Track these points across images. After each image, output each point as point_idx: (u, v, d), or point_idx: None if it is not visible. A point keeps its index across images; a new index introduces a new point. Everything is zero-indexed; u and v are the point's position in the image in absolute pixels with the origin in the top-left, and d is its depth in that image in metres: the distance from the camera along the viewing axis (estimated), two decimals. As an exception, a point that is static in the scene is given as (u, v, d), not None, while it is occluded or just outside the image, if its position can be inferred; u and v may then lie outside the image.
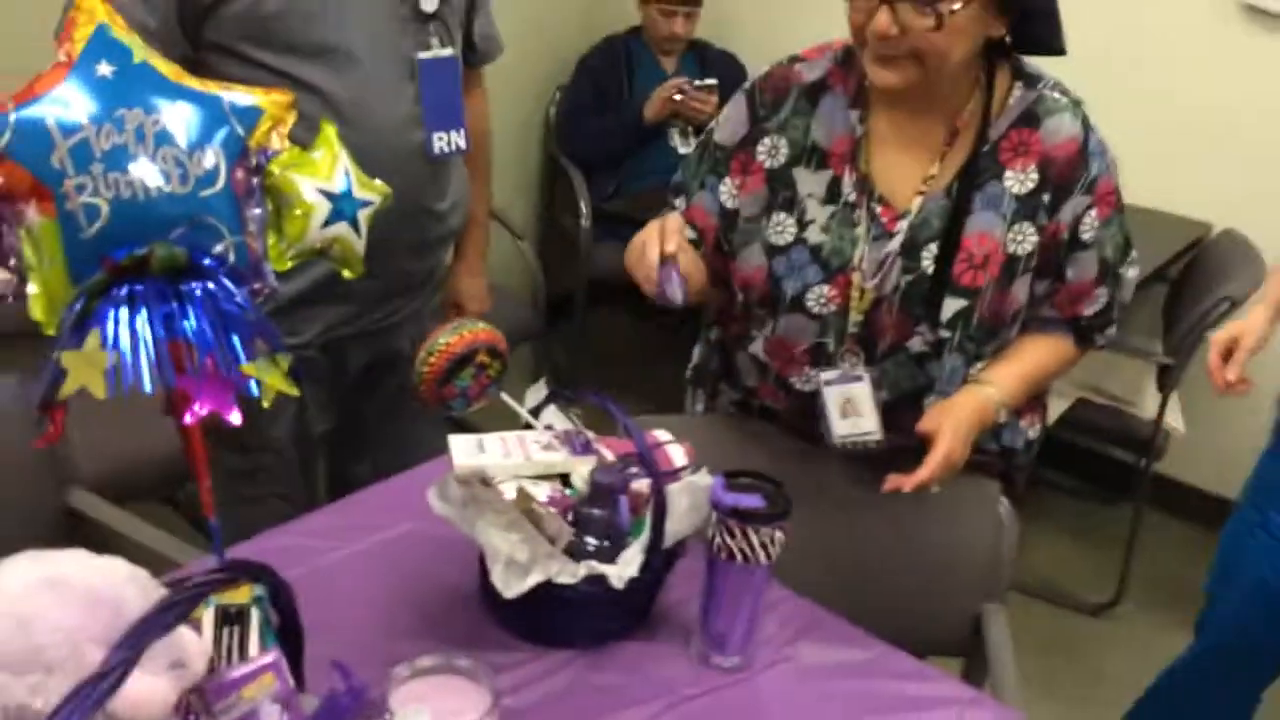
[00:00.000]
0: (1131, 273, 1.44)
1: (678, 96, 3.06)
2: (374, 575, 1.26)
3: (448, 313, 1.88)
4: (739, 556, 1.12)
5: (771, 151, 1.40)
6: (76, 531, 1.57)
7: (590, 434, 1.30)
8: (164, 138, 0.81)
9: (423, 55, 1.55)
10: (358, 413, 1.75)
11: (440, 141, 1.58)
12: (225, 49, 1.44)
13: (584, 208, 3.16)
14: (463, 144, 1.62)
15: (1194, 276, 2.63)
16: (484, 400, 1.18)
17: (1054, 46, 1.32)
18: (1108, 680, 2.41)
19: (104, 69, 0.80)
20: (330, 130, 0.93)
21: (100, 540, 1.69)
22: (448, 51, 1.58)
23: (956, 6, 1.21)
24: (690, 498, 1.18)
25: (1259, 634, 1.80)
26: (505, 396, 1.23)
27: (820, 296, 1.38)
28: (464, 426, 1.39)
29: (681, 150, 3.21)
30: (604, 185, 3.21)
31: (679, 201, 1.48)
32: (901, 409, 1.40)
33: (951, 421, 1.32)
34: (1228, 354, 1.56)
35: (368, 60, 1.49)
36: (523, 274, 3.16)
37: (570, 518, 1.17)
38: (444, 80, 1.57)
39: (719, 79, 3.21)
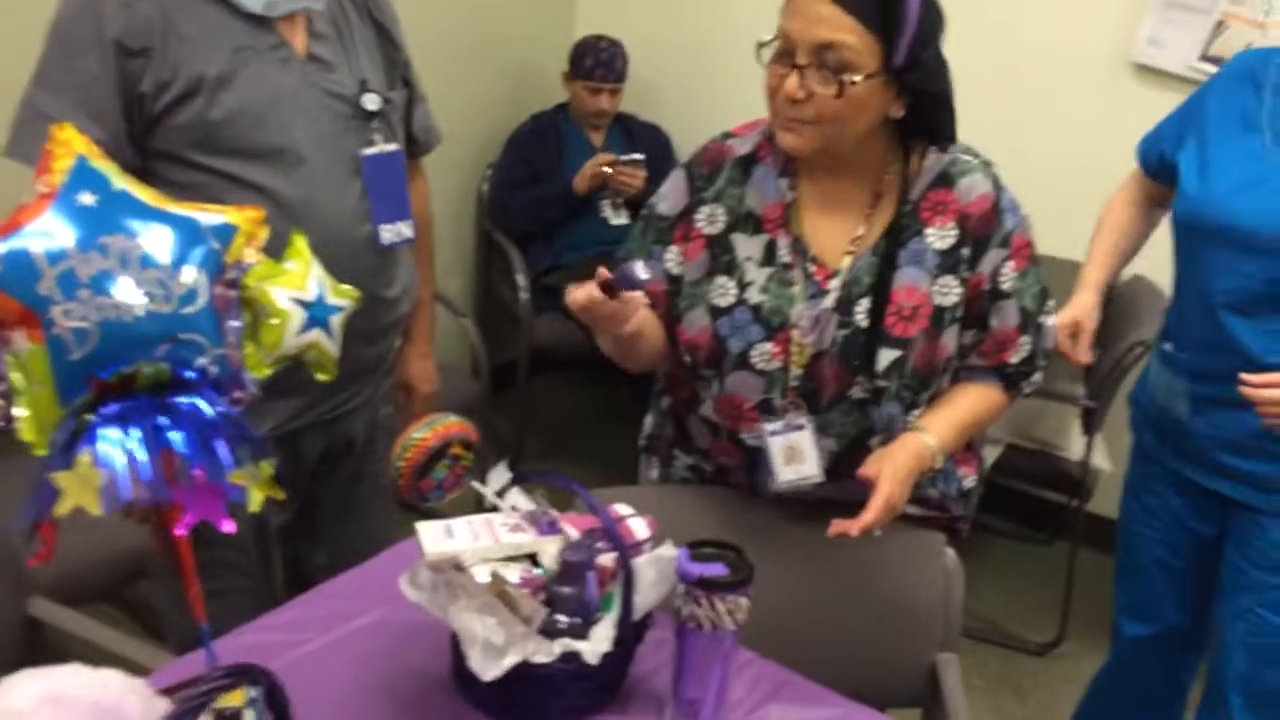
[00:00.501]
0: (1050, 321, 1.53)
1: (607, 169, 3.14)
2: (347, 666, 1.27)
3: (397, 395, 1.90)
4: (707, 625, 1.16)
5: (710, 219, 1.48)
6: (37, 639, 1.55)
7: (554, 512, 1.34)
8: (146, 260, 0.85)
9: (367, 151, 1.59)
10: (313, 501, 1.77)
11: (388, 232, 1.62)
12: (174, 156, 1.47)
13: (522, 280, 3.21)
14: (409, 234, 1.66)
15: (1109, 321, 2.75)
16: (460, 489, 1.22)
17: (944, 133, 1.43)
18: (1060, 717, 2.48)
19: (86, 198, 0.84)
20: (301, 241, 0.97)
21: (62, 646, 1.68)
22: (392, 146, 1.63)
23: (857, 79, 1.32)
24: (656, 570, 1.22)
25: (1170, 615, 1.91)
26: (476, 484, 1.26)
27: (764, 353, 1.45)
28: (424, 513, 1.42)
29: (613, 221, 3.29)
30: (540, 258, 3.27)
31: None
32: (849, 454, 1.48)
33: (890, 467, 1.39)
34: (1072, 337, 1.81)
35: (313, 159, 1.53)
36: (463, 348, 3.19)
37: (542, 597, 1.20)
38: (389, 174, 1.62)
39: (645, 149, 3.31)
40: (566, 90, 3.35)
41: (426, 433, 1.17)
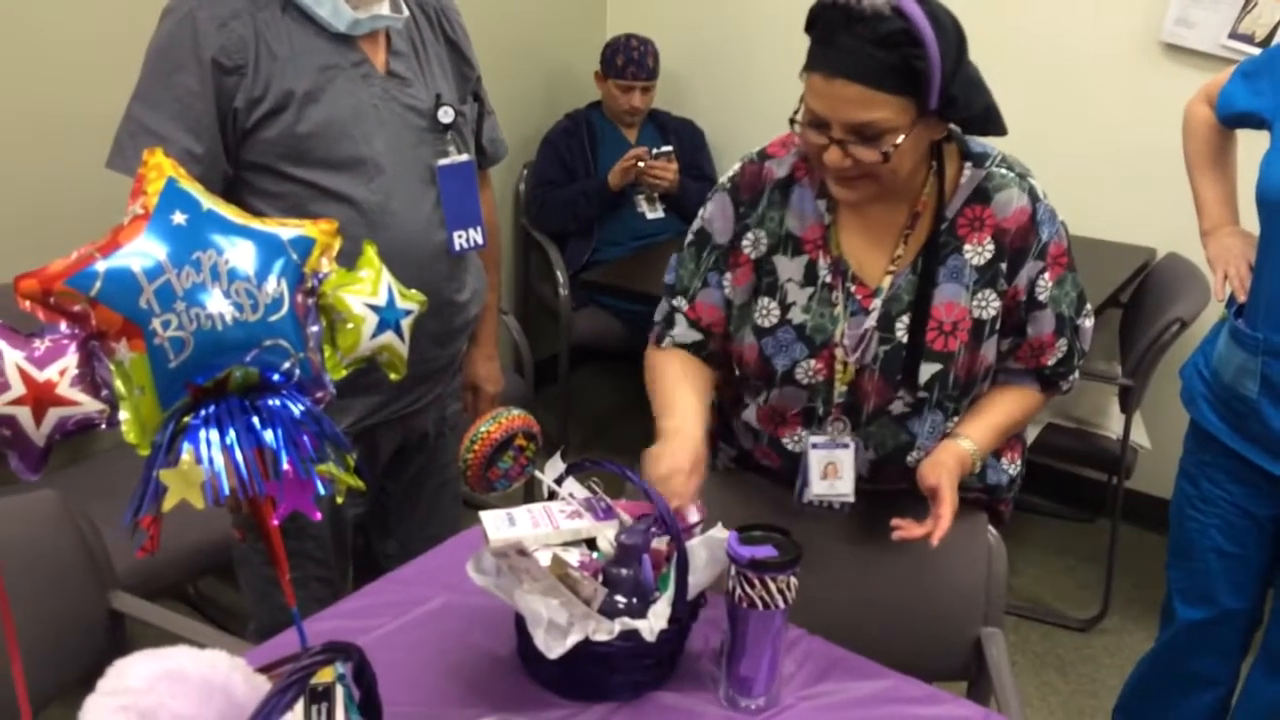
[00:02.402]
0: (1088, 323, 1.55)
1: (640, 164, 3.20)
2: (418, 647, 1.35)
3: (465, 395, 1.98)
4: (759, 604, 1.22)
5: (754, 244, 1.51)
6: (119, 631, 1.64)
7: (608, 499, 1.40)
8: (234, 273, 0.92)
9: (441, 162, 1.67)
10: (385, 493, 1.85)
11: (460, 239, 1.70)
12: (264, 167, 1.56)
13: (561, 276, 3.28)
14: (480, 240, 1.73)
15: (1144, 300, 2.79)
16: (524, 478, 1.28)
17: (995, 134, 1.41)
18: (1103, 692, 2.52)
19: (178, 218, 0.91)
20: (371, 250, 1.04)
21: (142, 637, 1.76)
22: (464, 157, 1.70)
23: (900, 141, 1.32)
24: (708, 552, 1.28)
25: (1226, 600, 1.92)
26: (538, 473, 1.33)
27: (808, 370, 1.49)
28: (483, 505, 1.49)
29: (649, 215, 3.35)
30: (578, 254, 3.33)
31: (678, 301, 1.57)
32: (887, 465, 1.53)
33: (948, 479, 1.42)
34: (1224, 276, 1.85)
35: (392, 170, 1.61)
36: (505, 345, 3.26)
37: (600, 579, 1.27)
38: (461, 183, 1.69)
39: (679, 144, 3.37)
40: (599, 89, 3.41)
41: (492, 426, 1.24)
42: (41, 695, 1.51)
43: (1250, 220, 1.86)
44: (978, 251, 1.46)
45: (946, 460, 1.45)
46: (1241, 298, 1.80)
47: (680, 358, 1.57)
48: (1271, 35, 2.72)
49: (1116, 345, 2.86)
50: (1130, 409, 2.61)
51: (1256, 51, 2.61)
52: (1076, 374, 1.57)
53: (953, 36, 1.33)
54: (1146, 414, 2.78)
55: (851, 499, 1.50)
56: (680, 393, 1.51)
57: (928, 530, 1.39)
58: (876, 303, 1.47)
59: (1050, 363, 1.53)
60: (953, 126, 1.43)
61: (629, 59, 3.29)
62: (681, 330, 1.57)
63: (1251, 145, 1.88)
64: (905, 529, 1.40)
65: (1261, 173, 1.73)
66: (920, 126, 1.35)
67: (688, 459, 1.39)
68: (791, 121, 1.39)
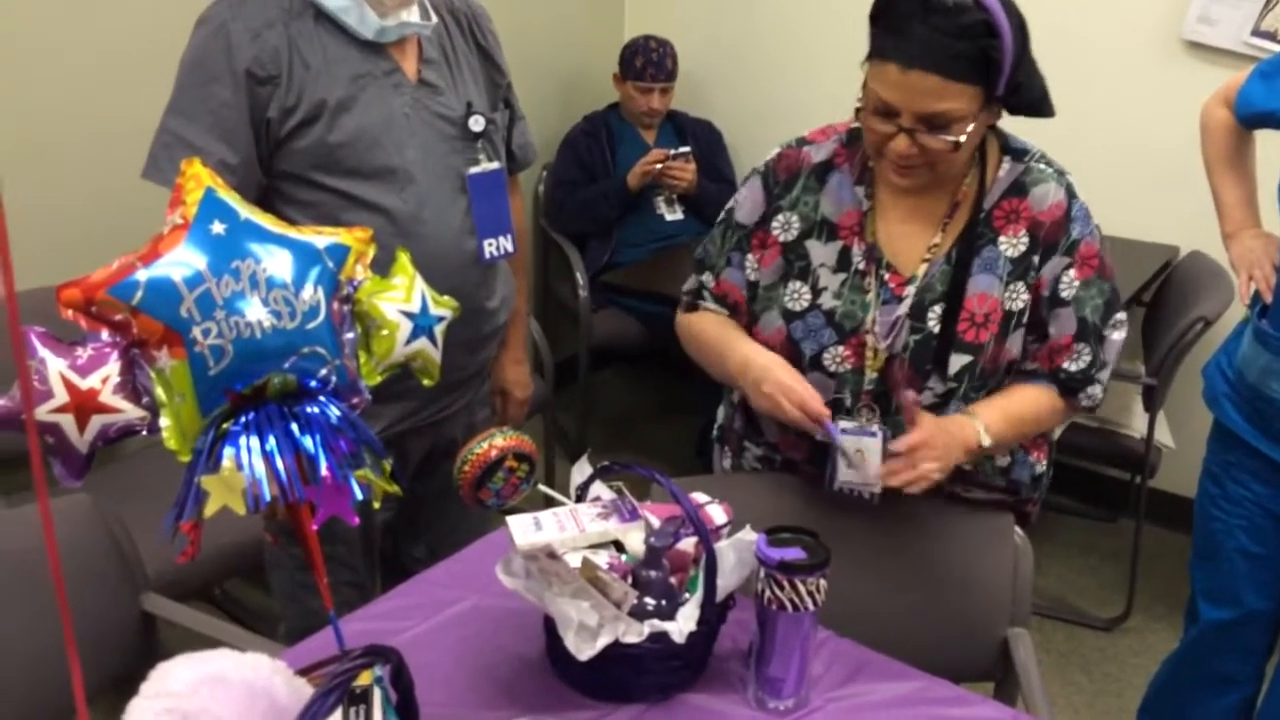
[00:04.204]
0: (1117, 335, 1.52)
1: (659, 166, 3.20)
2: (448, 649, 1.36)
3: (494, 400, 1.98)
4: (788, 606, 1.23)
5: (785, 226, 1.52)
6: (150, 633, 1.66)
7: (634, 501, 1.41)
8: (272, 282, 0.93)
9: (472, 170, 1.67)
10: (414, 498, 1.86)
11: (490, 247, 1.70)
12: (297, 176, 1.57)
13: (581, 279, 3.29)
14: (510, 248, 1.74)
15: (1168, 298, 2.78)
16: (518, 497, 1.29)
17: (1047, 115, 1.44)
18: (1129, 690, 2.51)
19: (217, 228, 0.92)
20: (405, 257, 1.05)
21: (172, 639, 1.78)
22: (494, 165, 1.71)
23: (970, 129, 1.34)
24: (736, 553, 1.29)
25: (1251, 600, 1.91)
26: (543, 487, 1.34)
27: (836, 356, 1.50)
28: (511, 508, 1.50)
29: (668, 217, 3.36)
30: (597, 256, 3.34)
31: (706, 276, 1.61)
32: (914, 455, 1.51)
33: (929, 420, 1.40)
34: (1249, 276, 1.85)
35: (423, 178, 1.62)
36: (526, 347, 3.27)
37: (630, 581, 1.27)
38: (491, 191, 1.70)
39: (698, 145, 3.37)
40: (618, 91, 3.42)
41: (484, 447, 1.25)
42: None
43: (1270, 221, 1.85)
44: (1012, 243, 1.46)
45: (947, 423, 1.42)
46: (1268, 299, 1.79)
47: (715, 316, 1.61)
48: (1294, 32, 2.70)
49: (1140, 344, 2.85)
50: (1154, 408, 2.60)
51: (1278, 49, 2.60)
52: (1099, 390, 1.53)
53: (1019, 22, 1.35)
54: (1170, 413, 2.77)
55: (879, 490, 1.49)
56: (731, 334, 1.56)
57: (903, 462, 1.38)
58: (910, 290, 1.48)
59: (1067, 366, 1.50)
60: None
61: (648, 60, 3.30)
62: (711, 305, 1.61)
63: (1269, 146, 1.88)
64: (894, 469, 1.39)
65: None
66: (985, 114, 1.36)
67: (784, 368, 1.44)
68: (857, 111, 1.40)
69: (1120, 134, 3.04)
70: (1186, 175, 2.93)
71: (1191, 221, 2.81)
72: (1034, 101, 1.40)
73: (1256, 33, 2.76)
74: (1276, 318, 1.75)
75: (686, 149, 3.26)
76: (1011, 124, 1.50)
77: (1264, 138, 1.93)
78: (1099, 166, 2.97)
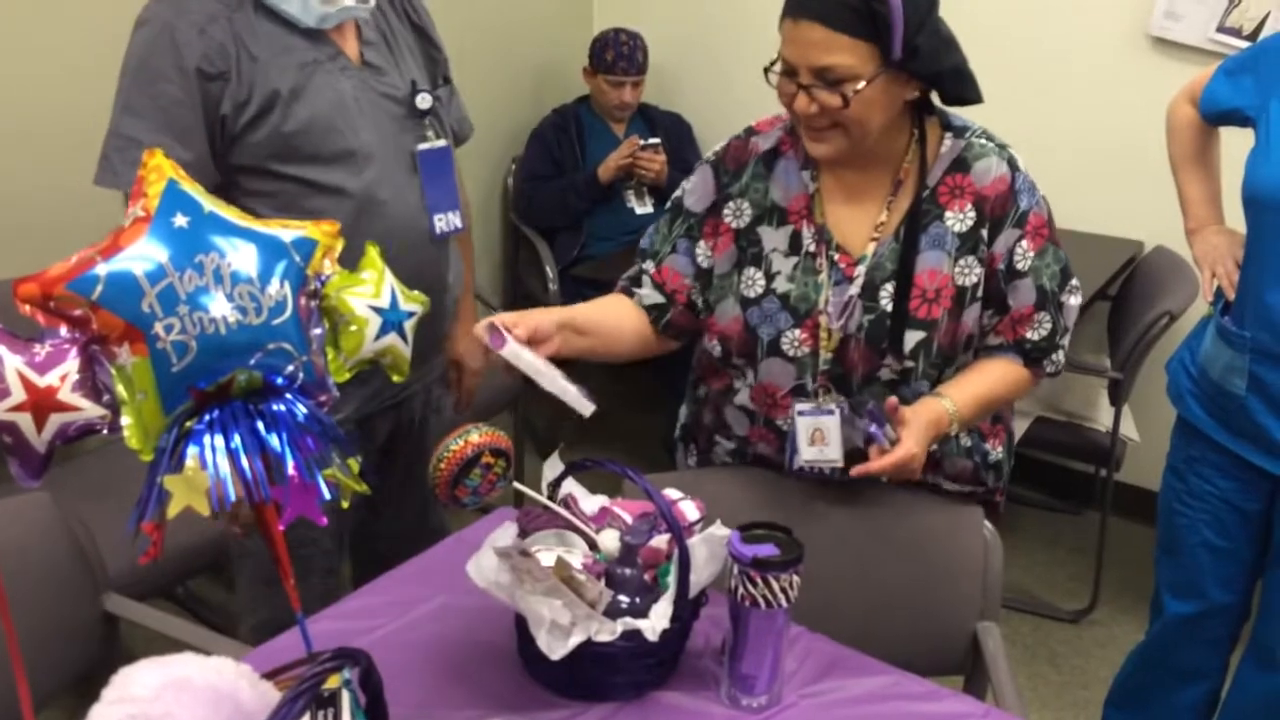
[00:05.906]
0: (1073, 300, 1.56)
1: (629, 159, 3.19)
2: (417, 648, 1.34)
3: (450, 372, 1.99)
4: (761, 603, 1.22)
5: (736, 213, 1.54)
6: (112, 633, 1.63)
7: (605, 499, 1.40)
8: (237, 276, 0.91)
9: (421, 147, 1.69)
10: (380, 477, 1.86)
11: (441, 222, 1.72)
12: (254, 169, 1.56)
13: (550, 272, 3.27)
14: (459, 223, 1.76)
15: (1133, 293, 2.80)
16: (495, 493, 1.28)
17: (970, 99, 1.46)
18: (1094, 683, 2.54)
19: (179, 220, 0.90)
20: (374, 251, 1.03)
21: (134, 639, 1.75)
22: (442, 142, 1.72)
23: (860, 86, 1.36)
24: (708, 549, 1.28)
25: (1215, 594, 1.93)
26: (519, 485, 1.32)
27: (794, 340, 1.51)
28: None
29: (638, 210, 3.34)
30: (567, 249, 3.32)
31: (647, 264, 1.61)
32: None
33: (915, 429, 1.41)
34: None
35: (380, 158, 1.63)
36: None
37: (603, 580, 1.26)
38: (440, 168, 1.71)
39: (668, 138, 3.36)
40: (588, 84, 3.40)
41: (460, 443, 1.23)
42: (36, 699, 1.49)
43: (1234, 218, 1.87)
44: (959, 218, 1.48)
45: (921, 413, 1.43)
46: (1230, 296, 1.81)
47: (618, 301, 1.62)
48: (1259, 29, 2.73)
49: (1105, 338, 2.87)
50: (1119, 402, 2.63)
51: (1244, 45, 2.63)
52: (1061, 355, 1.56)
53: None
54: (1135, 406, 2.80)
55: (840, 464, 1.51)
56: (590, 305, 1.59)
57: (880, 466, 1.38)
58: (860, 270, 1.50)
59: (1030, 335, 1.53)
60: (937, 102, 1.47)
61: (619, 54, 3.28)
62: (647, 291, 1.60)
63: (1235, 144, 1.89)
64: (859, 468, 1.39)
65: (1247, 171, 1.74)
66: (885, 78, 1.38)
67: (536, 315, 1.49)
68: (766, 71, 1.43)
69: (1087, 128, 3.06)
70: (1152, 170, 2.95)
71: (1157, 216, 2.83)
72: (944, 74, 1.42)
73: (1222, 29, 2.78)
74: (1239, 315, 1.76)
75: (656, 140, 3.25)
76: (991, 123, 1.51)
77: (1228, 135, 1.95)
78: (1065, 160, 3.00)
